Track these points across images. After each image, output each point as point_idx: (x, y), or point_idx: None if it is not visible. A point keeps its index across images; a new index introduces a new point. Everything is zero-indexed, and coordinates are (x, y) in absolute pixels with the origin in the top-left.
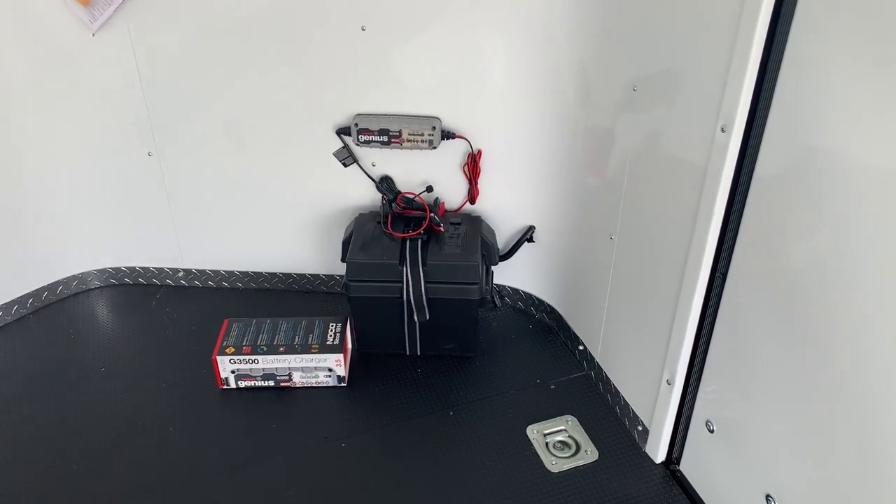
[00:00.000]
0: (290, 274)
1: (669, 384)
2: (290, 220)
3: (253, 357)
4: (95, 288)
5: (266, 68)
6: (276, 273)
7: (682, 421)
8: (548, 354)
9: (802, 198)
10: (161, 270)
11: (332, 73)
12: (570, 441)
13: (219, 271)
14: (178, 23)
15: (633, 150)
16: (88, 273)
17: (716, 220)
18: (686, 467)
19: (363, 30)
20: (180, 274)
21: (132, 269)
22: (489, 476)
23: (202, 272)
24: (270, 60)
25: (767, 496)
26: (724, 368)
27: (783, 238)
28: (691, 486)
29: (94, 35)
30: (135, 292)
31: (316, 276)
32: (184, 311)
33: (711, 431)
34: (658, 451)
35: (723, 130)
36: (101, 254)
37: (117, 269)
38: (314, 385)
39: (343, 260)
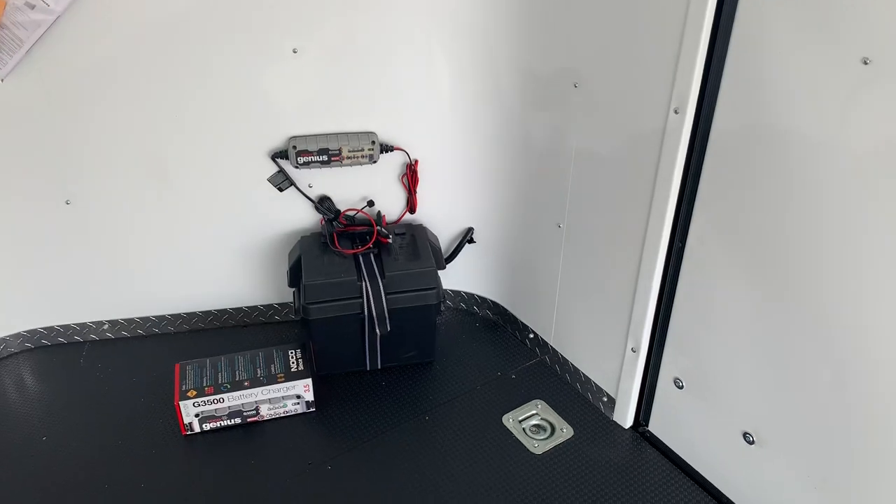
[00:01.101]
0: (225, 310)
1: (634, 352)
2: (222, 254)
3: (217, 396)
4: (10, 355)
5: (192, 97)
6: (210, 311)
7: (648, 385)
8: (501, 347)
9: (753, 170)
10: (83, 325)
11: (264, 97)
12: (544, 423)
13: (147, 317)
14: (93, 58)
15: (580, 144)
16: (1, 340)
17: (673, 197)
18: (655, 427)
19: (294, 52)
20: (105, 326)
21: (49, 329)
22: (480, 469)
23: (129, 321)
24: (196, 89)
25: (745, 434)
26: (691, 327)
27: (738, 204)
28: (662, 443)
29: (2, 80)
30: (56, 354)
31: (253, 308)
32: (117, 364)
33: (680, 388)
34: (626, 416)
35: (676, 112)
36: (11, 316)
37: (32, 332)
38: (283, 415)
39: (291, 285)
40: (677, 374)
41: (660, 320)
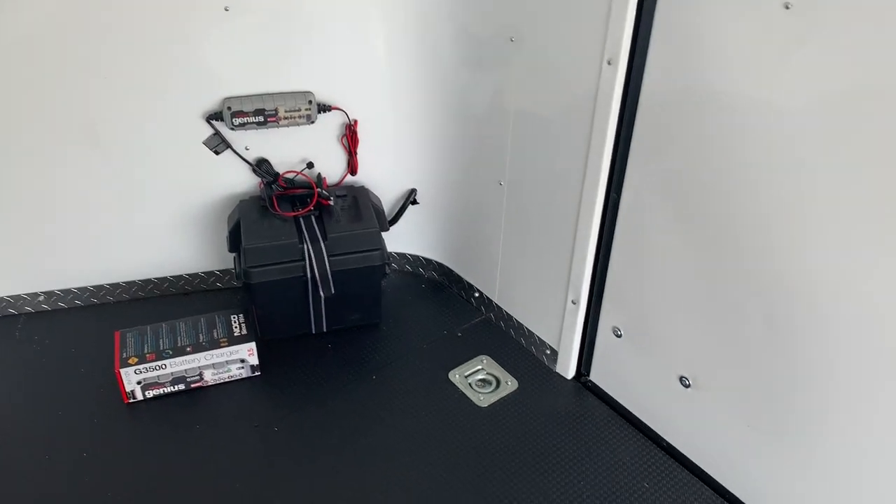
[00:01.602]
0: (165, 278)
1: (575, 304)
2: (159, 220)
3: (160, 363)
4: None
5: (122, 56)
6: (150, 279)
7: (588, 335)
8: (447, 307)
9: (683, 121)
10: (17, 297)
11: (196, 57)
12: (489, 377)
13: (85, 287)
14: (22, 18)
15: (518, 99)
16: None
17: (608, 149)
18: (597, 377)
19: (226, 10)
20: (40, 298)
21: None
22: (428, 423)
23: (66, 292)
24: (125, 47)
25: (681, 378)
26: (627, 277)
27: (669, 156)
28: (603, 391)
29: None
30: None
31: (195, 276)
32: (55, 336)
33: (619, 337)
34: (568, 368)
35: (609, 63)
36: None
37: None
38: (228, 380)
39: (231, 250)
40: (615, 323)
41: (598, 272)
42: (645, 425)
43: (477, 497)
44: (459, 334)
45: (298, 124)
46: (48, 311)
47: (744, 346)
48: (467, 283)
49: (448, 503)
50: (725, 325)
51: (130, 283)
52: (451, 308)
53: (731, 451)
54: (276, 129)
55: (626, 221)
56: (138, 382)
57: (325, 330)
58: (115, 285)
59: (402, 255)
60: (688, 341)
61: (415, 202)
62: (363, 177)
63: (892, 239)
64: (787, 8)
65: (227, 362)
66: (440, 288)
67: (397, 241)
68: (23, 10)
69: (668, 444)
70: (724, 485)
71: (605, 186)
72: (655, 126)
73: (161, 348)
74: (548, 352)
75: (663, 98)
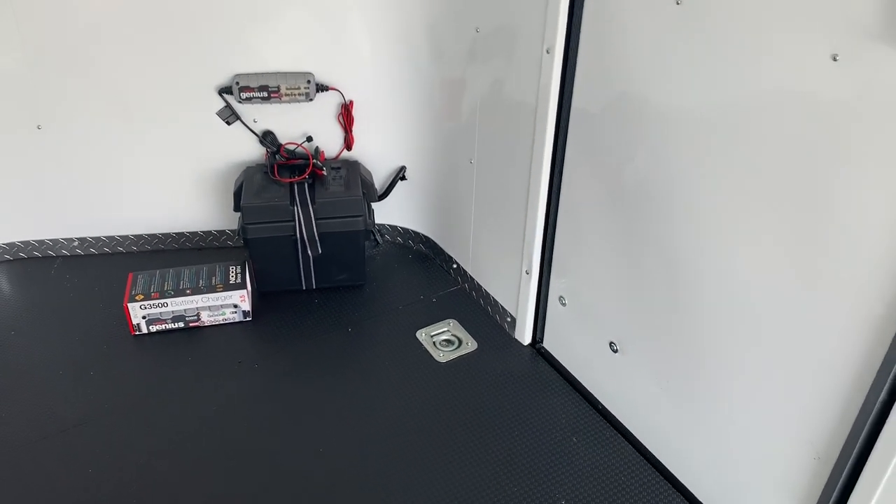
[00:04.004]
0: (182, 233)
1: (528, 274)
2: (178, 181)
3: (162, 301)
4: None
5: (148, 38)
6: (169, 233)
7: (541, 305)
8: (428, 276)
9: (606, 109)
10: (56, 241)
11: (212, 37)
12: (453, 338)
13: (113, 237)
14: (67, 8)
15: (483, 85)
16: None
17: (550, 129)
18: (548, 343)
19: None
20: (75, 243)
21: (26, 244)
22: (389, 373)
23: (97, 239)
24: (152, 30)
25: (611, 343)
26: (568, 251)
27: (601, 137)
28: (553, 357)
29: None
30: (31, 266)
31: (208, 233)
32: (83, 276)
33: (563, 305)
34: (525, 334)
35: (548, 52)
36: None
37: (11, 245)
38: (221, 322)
39: (235, 210)
40: (561, 292)
41: (546, 245)
42: (585, 388)
43: (422, 439)
44: (434, 300)
45: (299, 101)
46: (80, 255)
47: (655, 316)
48: (448, 255)
49: (395, 443)
50: (641, 296)
51: (152, 236)
52: (432, 277)
53: (649, 410)
54: (279, 104)
55: (566, 200)
56: (143, 317)
57: (314, 287)
58: (139, 236)
59: (394, 228)
60: (615, 310)
61: (404, 178)
62: (358, 152)
63: (768, 233)
64: (678, 4)
65: (221, 306)
66: (425, 259)
67: (390, 213)
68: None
69: (601, 405)
70: (641, 440)
71: (549, 164)
72: (586, 114)
73: (165, 289)
74: (508, 319)
75: (592, 87)
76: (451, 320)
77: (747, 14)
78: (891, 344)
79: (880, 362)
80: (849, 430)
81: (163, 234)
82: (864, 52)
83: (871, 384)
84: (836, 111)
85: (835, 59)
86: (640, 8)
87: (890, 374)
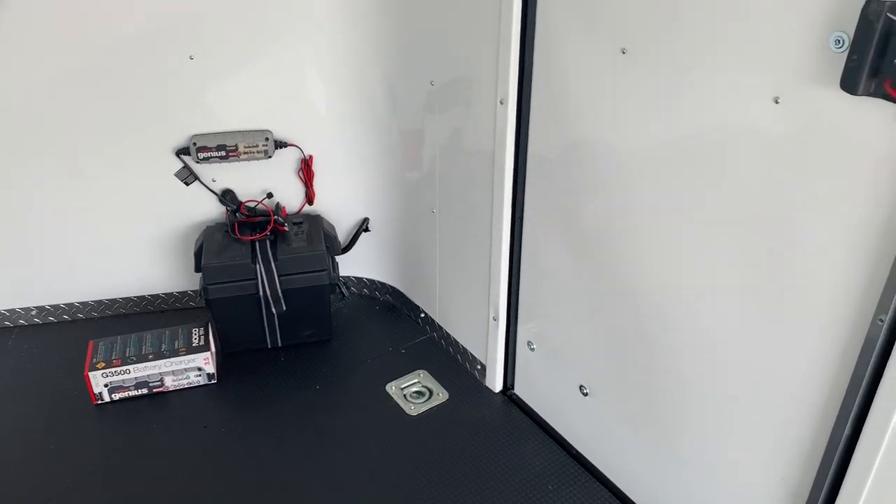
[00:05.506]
0: (143, 296)
1: (496, 320)
2: (137, 244)
3: (124, 368)
4: None
5: (104, 99)
6: (129, 297)
7: (510, 351)
8: (395, 327)
9: (560, 155)
10: (12, 311)
11: (166, 99)
12: (423, 390)
13: (72, 304)
14: (17, 65)
15: (441, 136)
16: None
17: (508, 177)
18: (519, 389)
19: (191, 59)
20: (33, 312)
21: None
22: (361, 430)
23: (55, 307)
24: (108, 93)
25: (581, 386)
26: (534, 295)
27: (559, 181)
28: (525, 403)
29: None
30: None
31: (170, 295)
32: (42, 346)
33: (532, 350)
34: (496, 381)
35: (501, 103)
36: None
37: None
38: (186, 386)
39: (196, 270)
40: (529, 338)
41: (513, 290)
42: (557, 433)
43: (397, 497)
44: (403, 351)
45: (258, 158)
46: (39, 324)
47: (623, 357)
48: (415, 304)
49: (369, 497)
50: (609, 338)
51: (112, 301)
52: (400, 328)
53: (622, 452)
54: (238, 162)
55: (529, 245)
56: (105, 385)
57: (279, 345)
58: (99, 302)
59: (359, 280)
60: (583, 353)
61: (367, 230)
62: (320, 206)
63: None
64: (624, 53)
65: (185, 370)
66: (392, 309)
67: (355, 265)
68: (24, 59)
69: (574, 449)
70: (615, 483)
71: (510, 211)
72: (543, 159)
73: (127, 355)
74: (479, 367)
75: (547, 134)
76: (421, 371)
77: (692, 61)
78: (851, 376)
79: (843, 393)
80: (819, 463)
81: (123, 299)
82: (803, 95)
83: (835, 419)
84: (783, 148)
85: (777, 102)
86: (588, 58)
87: (853, 407)
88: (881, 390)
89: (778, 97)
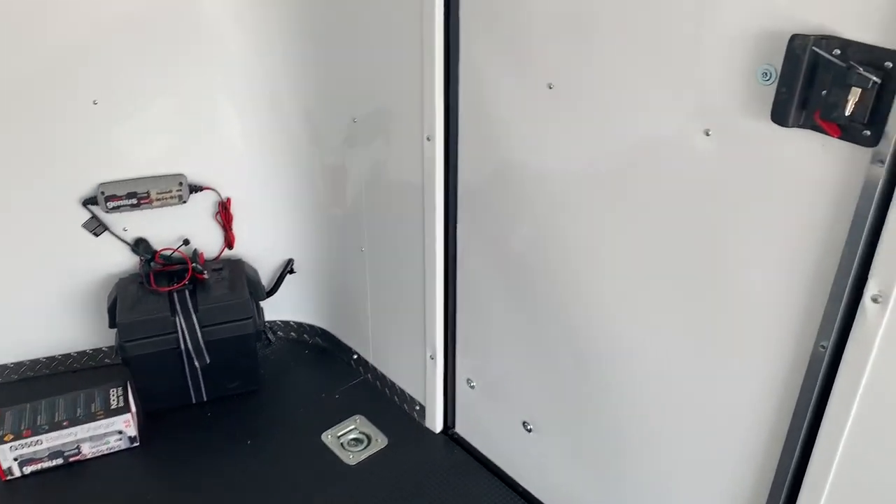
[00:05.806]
0: (54, 357)
1: (433, 359)
2: (45, 301)
3: (36, 438)
4: None
5: (1, 151)
6: (38, 359)
7: (449, 389)
8: (327, 371)
9: (490, 190)
10: None
11: (70, 147)
12: (361, 436)
13: None
14: None
15: (365, 171)
16: None
17: (439, 213)
18: (461, 428)
19: (95, 104)
20: None
21: None
22: (297, 484)
23: None
24: (5, 143)
25: (524, 422)
26: (471, 331)
27: (490, 213)
28: (467, 442)
29: None
30: None
31: (83, 353)
32: None
33: (472, 388)
34: (436, 422)
35: (428, 139)
36: None
37: None
38: (106, 452)
39: (111, 326)
40: (468, 374)
41: (449, 328)
42: (502, 471)
43: None
44: (337, 396)
45: (171, 204)
46: None
47: (565, 390)
48: (346, 346)
49: None
50: (549, 371)
51: (19, 364)
52: (332, 371)
53: (568, 488)
54: (151, 209)
55: (464, 279)
56: (15, 459)
57: (205, 399)
58: (4, 366)
59: (286, 323)
60: (524, 388)
61: (292, 271)
62: (241, 250)
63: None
64: (551, 88)
65: (104, 434)
66: (323, 353)
67: (281, 309)
68: None
69: (521, 487)
70: None
71: (442, 248)
72: (473, 192)
73: (38, 424)
74: (417, 408)
75: (476, 167)
76: (357, 416)
77: (619, 97)
78: (795, 405)
79: (789, 423)
80: (767, 493)
81: (31, 361)
82: (733, 127)
83: (781, 448)
84: (715, 180)
85: (707, 134)
86: (514, 93)
87: (799, 436)
88: (827, 416)
89: (708, 129)
